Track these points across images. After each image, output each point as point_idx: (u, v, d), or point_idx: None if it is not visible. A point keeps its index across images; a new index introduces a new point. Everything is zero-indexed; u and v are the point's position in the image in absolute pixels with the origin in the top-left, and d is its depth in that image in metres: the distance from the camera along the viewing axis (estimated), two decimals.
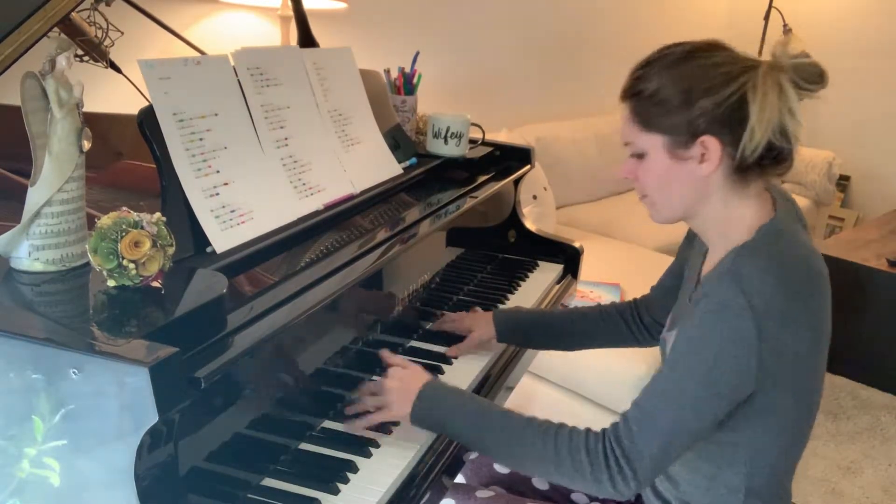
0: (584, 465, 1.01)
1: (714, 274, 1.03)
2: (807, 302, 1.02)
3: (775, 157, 1.03)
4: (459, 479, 1.42)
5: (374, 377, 1.27)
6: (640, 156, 1.08)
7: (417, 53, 1.77)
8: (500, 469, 1.40)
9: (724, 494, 1.10)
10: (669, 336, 1.17)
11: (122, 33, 1.48)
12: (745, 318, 0.96)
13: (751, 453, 1.07)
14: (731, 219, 1.07)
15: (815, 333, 1.04)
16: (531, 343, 1.50)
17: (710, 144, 1.02)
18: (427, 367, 1.33)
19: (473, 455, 1.42)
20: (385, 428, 1.14)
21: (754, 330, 0.96)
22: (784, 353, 0.99)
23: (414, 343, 1.42)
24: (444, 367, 1.35)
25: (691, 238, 1.27)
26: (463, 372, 1.35)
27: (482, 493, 1.31)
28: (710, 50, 1.04)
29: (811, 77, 1.02)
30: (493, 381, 1.39)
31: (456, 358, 1.38)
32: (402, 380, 1.14)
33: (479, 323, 1.43)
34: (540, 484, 1.37)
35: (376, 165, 1.50)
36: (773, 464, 1.09)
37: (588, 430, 1.04)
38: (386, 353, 1.23)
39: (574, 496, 1.36)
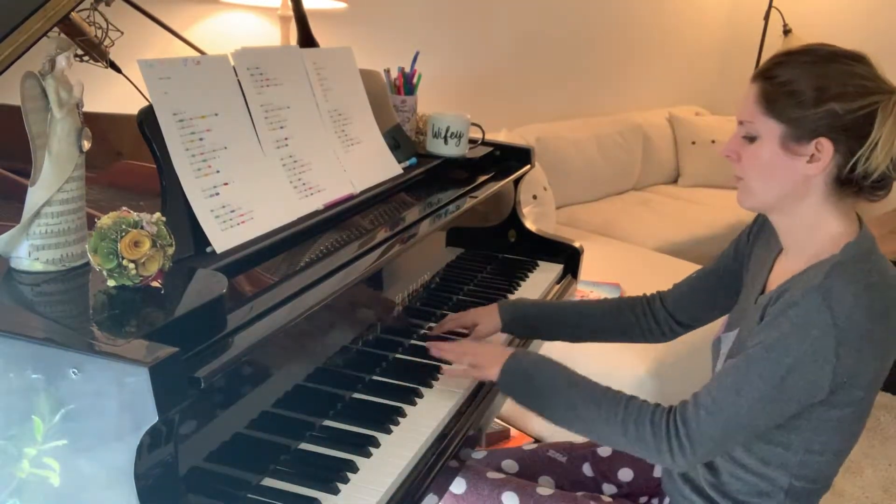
0: (647, 435, 1.08)
1: (802, 284, 1.04)
2: (888, 328, 1.04)
3: (877, 182, 1.05)
4: (458, 482, 1.42)
5: (374, 377, 1.27)
6: (751, 139, 1.08)
7: (417, 53, 1.77)
8: (496, 476, 1.38)
9: (768, 491, 1.12)
10: (727, 337, 1.19)
11: (122, 33, 1.48)
12: (828, 337, 0.99)
13: (801, 457, 1.10)
14: (819, 227, 1.09)
15: (886, 354, 1.06)
16: (537, 333, 1.49)
17: (825, 147, 1.03)
18: (427, 367, 1.33)
19: (473, 454, 1.42)
20: (386, 427, 1.14)
21: (834, 346, 0.99)
22: (856, 373, 1.02)
23: (414, 342, 1.42)
24: (444, 367, 1.35)
25: (754, 239, 1.27)
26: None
27: (493, 475, 1.33)
28: (853, 59, 1.05)
29: None
30: (492, 382, 1.38)
31: (449, 363, 1.38)
32: (491, 346, 1.30)
33: (483, 316, 1.43)
34: (545, 485, 1.37)
35: (376, 165, 1.50)
36: (820, 469, 1.11)
37: (657, 405, 1.10)
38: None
39: (579, 497, 1.37)
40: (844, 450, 1.13)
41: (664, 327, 1.41)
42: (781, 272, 1.14)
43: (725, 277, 1.33)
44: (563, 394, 1.15)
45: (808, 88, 1.03)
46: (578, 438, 1.25)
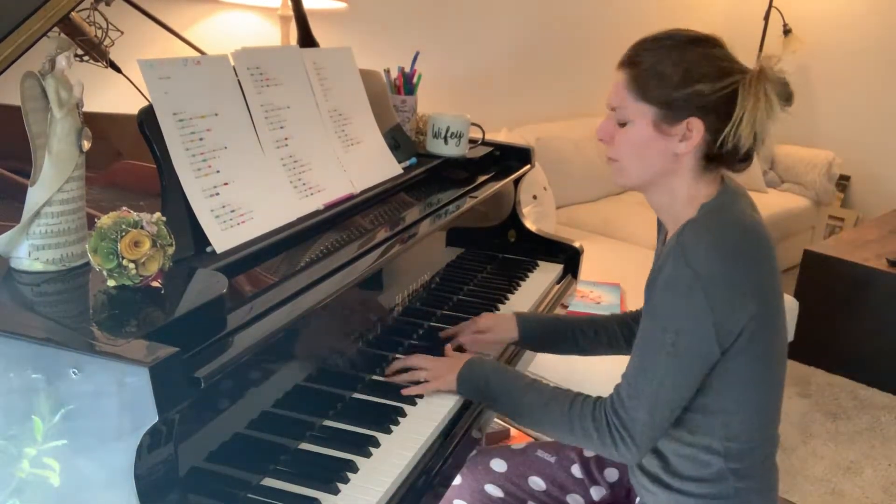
0: (590, 431, 1.13)
1: (665, 250, 1.11)
2: (748, 267, 1.07)
3: (742, 155, 1.12)
4: (458, 480, 1.42)
5: (374, 377, 1.27)
6: (623, 123, 1.14)
7: (417, 53, 1.77)
8: (497, 468, 1.40)
9: (707, 460, 1.14)
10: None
11: (122, 33, 1.48)
12: (695, 291, 1.04)
13: (722, 417, 1.12)
14: (686, 198, 1.14)
15: (762, 297, 1.08)
16: (553, 349, 1.50)
17: (696, 126, 1.09)
18: None
19: (474, 454, 1.43)
20: (385, 427, 1.14)
21: (704, 297, 1.03)
22: (737, 319, 1.06)
23: (413, 342, 1.42)
24: (403, 389, 1.34)
25: (659, 230, 1.32)
26: None
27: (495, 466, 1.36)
28: (712, 42, 1.11)
29: (782, 95, 1.09)
30: None
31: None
32: (443, 358, 1.28)
33: (500, 324, 1.43)
34: (535, 486, 1.38)
35: (376, 165, 1.50)
36: (745, 427, 1.13)
37: (596, 400, 1.15)
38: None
39: (568, 498, 1.37)
40: (763, 403, 1.15)
41: None
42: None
43: None
44: (518, 397, 1.19)
45: (675, 71, 1.08)
46: None
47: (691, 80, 1.08)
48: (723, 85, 1.07)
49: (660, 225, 1.30)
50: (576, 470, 1.39)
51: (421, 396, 1.23)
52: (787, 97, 1.09)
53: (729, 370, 1.09)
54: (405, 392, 1.23)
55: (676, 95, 1.08)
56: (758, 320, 1.07)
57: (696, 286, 1.03)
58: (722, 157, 1.11)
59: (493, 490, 1.39)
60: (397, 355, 1.36)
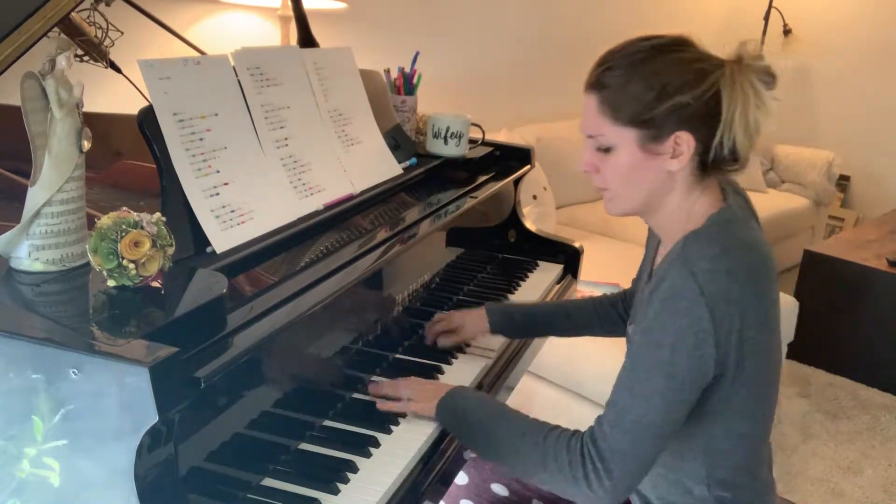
0: (563, 463, 1.02)
1: (665, 261, 1.04)
2: (754, 287, 1.01)
3: (737, 155, 1.04)
4: (461, 477, 1.42)
5: (375, 378, 1.27)
6: (606, 150, 1.06)
7: (417, 53, 1.77)
8: (500, 468, 1.40)
9: (691, 486, 1.10)
10: (631, 329, 1.18)
11: (122, 33, 1.48)
12: (698, 304, 0.96)
13: (707, 444, 1.07)
14: (686, 211, 1.07)
15: (764, 320, 1.03)
16: (526, 331, 1.50)
17: (685, 140, 1.02)
18: (427, 366, 1.33)
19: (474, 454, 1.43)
20: (385, 427, 1.14)
21: (708, 314, 0.96)
22: (736, 338, 0.99)
23: (414, 343, 1.42)
24: (444, 366, 1.35)
25: (650, 240, 1.28)
26: (463, 372, 1.35)
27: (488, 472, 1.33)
28: (678, 46, 1.03)
29: (766, 80, 1.02)
30: (492, 382, 1.38)
31: (453, 357, 1.38)
32: (432, 383, 1.21)
33: (470, 317, 1.42)
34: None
35: (376, 165, 1.50)
36: (732, 456, 1.08)
37: (574, 432, 1.05)
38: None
39: None
40: (751, 434, 1.09)
41: None
42: (661, 258, 1.12)
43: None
44: (493, 427, 1.10)
45: (649, 88, 1.01)
46: None
47: (668, 93, 1.00)
48: (703, 90, 1.00)
49: (651, 234, 1.24)
50: None
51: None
52: (770, 80, 1.02)
53: (719, 396, 1.03)
54: (381, 407, 1.16)
55: (656, 113, 1.01)
56: (754, 346, 1.01)
57: (700, 302, 0.96)
58: (718, 163, 1.05)
59: (498, 489, 1.39)
60: (398, 354, 1.36)
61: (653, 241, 1.24)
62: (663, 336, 0.98)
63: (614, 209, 1.11)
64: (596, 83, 1.05)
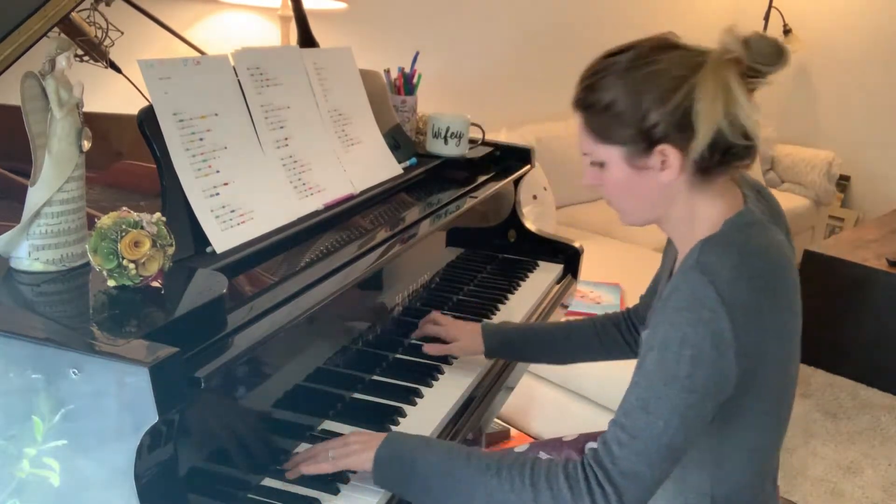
0: (563, 492, 0.94)
1: (680, 269, 1.00)
2: (773, 294, 0.98)
3: (735, 154, 0.99)
4: None
5: (374, 377, 1.27)
6: (600, 164, 1.05)
7: (417, 53, 1.77)
8: None
9: (693, 500, 1.07)
10: (643, 336, 1.13)
11: (122, 33, 1.48)
12: (718, 312, 0.92)
13: (715, 457, 1.04)
14: (698, 217, 1.04)
15: (782, 329, 1.00)
16: (523, 357, 1.46)
17: (668, 152, 0.99)
18: (426, 366, 1.33)
19: None
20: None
21: (729, 323, 0.92)
22: (754, 348, 0.95)
23: (414, 342, 1.42)
24: (444, 367, 1.35)
25: (667, 252, 1.25)
26: (462, 373, 1.35)
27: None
28: (656, 53, 0.99)
29: (768, 57, 0.97)
30: (492, 382, 1.38)
31: (453, 356, 1.38)
32: (367, 433, 1.09)
33: (466, 334, 1.38)
34: None
35: (376, 165, 1.50)
36: (740, 469, 1.05)
37: (567, 460, 0.99)
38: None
39: None
40: (762, 448, 1.07)
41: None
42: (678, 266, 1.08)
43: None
44: (457, 470, 0.99)
45: (627, 105, 0.98)
46: (565, 431, 1.21)
47: (642, 110, 0.97)
48: (681, 98, 0.95)
49: (669, 244, 1.20)
50: None
51: (421, 396, 1.22)
52: (773, 56, 0.96)
53: (732, 409, 0.98)
54: (305, 471, 1.02)
55: (635, 130, 0.98)
56: (773, 358, 0.98)
57: (721, 311, 0.91)
58: (716, 164, 0.99)
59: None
60: (398, 355, 1.36)
61: (671, 251, 1.20)
62: (682, 348, 0.92)
63: (626, 221, 1.10)
64: (578, 102, 1.04)
